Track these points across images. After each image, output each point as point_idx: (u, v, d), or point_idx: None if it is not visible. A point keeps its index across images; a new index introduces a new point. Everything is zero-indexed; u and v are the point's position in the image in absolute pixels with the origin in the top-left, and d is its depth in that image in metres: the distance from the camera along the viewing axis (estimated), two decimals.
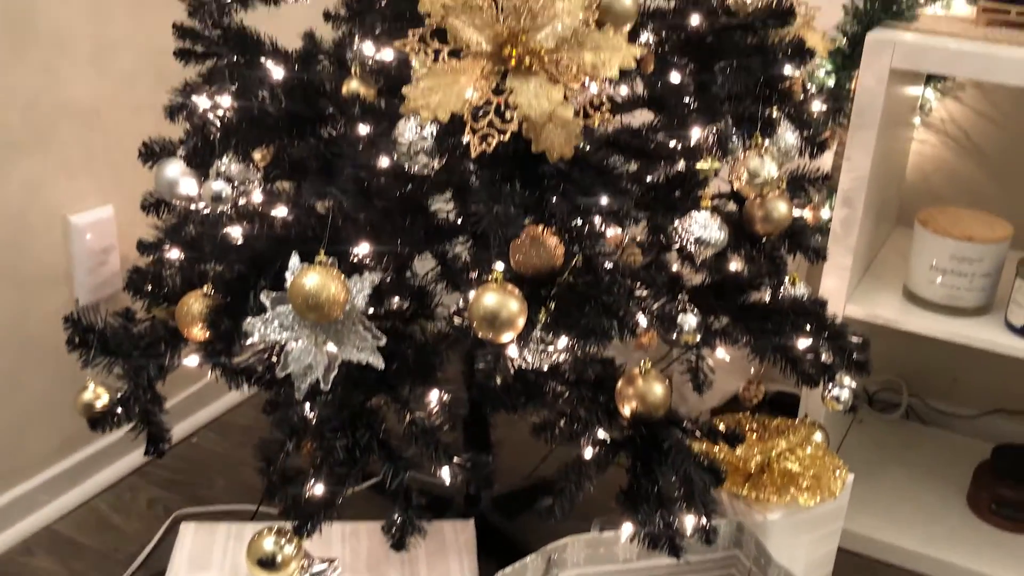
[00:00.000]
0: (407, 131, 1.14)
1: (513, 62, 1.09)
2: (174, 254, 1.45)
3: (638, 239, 1.37)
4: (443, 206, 1.41)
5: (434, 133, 1.13)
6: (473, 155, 1.07)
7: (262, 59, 1.39)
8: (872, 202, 1.66)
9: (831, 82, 1.67)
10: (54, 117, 1.61)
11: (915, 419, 2.10)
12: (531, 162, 1.14)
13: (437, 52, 1.07)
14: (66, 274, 1.69)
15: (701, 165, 1.28)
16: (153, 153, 1.42)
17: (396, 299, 1.43)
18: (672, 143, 1.33)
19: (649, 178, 1.37)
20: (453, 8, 1.06)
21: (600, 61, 1.10)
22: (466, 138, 1.09)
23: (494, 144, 1.08)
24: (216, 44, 1.40)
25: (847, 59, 1.63)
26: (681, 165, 1.37)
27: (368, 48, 1.35)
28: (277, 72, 1.31)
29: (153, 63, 1.73)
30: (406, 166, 1.17)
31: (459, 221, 1.36)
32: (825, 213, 1.74)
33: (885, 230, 1.92)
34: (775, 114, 1.32)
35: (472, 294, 1.12)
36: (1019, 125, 1.86)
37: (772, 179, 1.28)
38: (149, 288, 1.45)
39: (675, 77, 1.26)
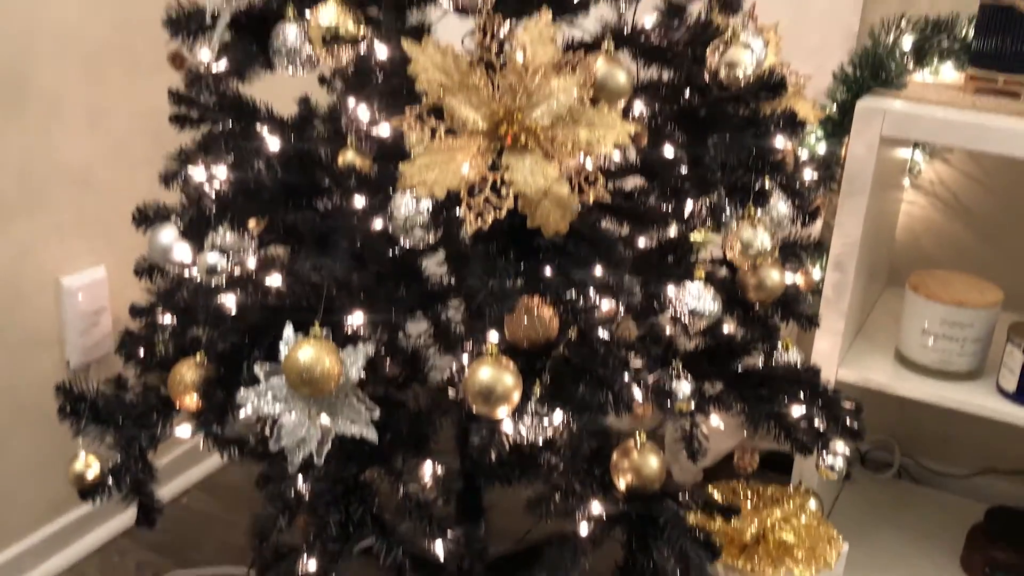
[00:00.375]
0: (403, 205, 1.15)
1: (509, 140, 1.09)
2: (167, 319, 1.45)
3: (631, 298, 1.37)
4: (436, 269, 1.42)
5: (430, 208, 1.14)
6: (469, 232, 1.08)
7: (258, 126, 1.40)
8: (863, 266, 1.67)
9: (821, 148, 1.68)
10: (47, 179, 1.61)
11: (907, 478, 2.10)
12: (526, 234, 1.14)
13: (433, 130, 1.08)
14: (57, 336, 1.68)
15: (695, 236, 1.29)
16: (147, 218, 1.42)
17: (389, 362, 1.43)
18: (664, 206, 1.34)
19: (642, 241, 1.38)
20: (450, 87, 1.07)
21: (595, 138, 1.11)
22: (461, 211, 1.09)
23: (490, 221, 1.08)
24: (211, 110, 1.41)
25: (837, 126, 1.64)
26: (673, 231, 1.37)
27: (363, 113, 1.36)
28: (273, 142, 1.31)
29: (147, 124, 1.73)
30: (402, 240, 1.18)
31: (452, 280, 1.35)
32: (816, 274, 1.75)
33: (876, 291, 1.93)
34: (767, 184, 1.33)
35: (467, 368, 1.12)
36: (1007, 187, 1.88)
37: (765, 250, 1.28)
38: (141, 352, 1.45)
39: (668, 150, 1.27)
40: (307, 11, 1.25)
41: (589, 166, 1.13)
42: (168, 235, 1.38)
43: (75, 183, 1.66)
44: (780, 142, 1.32)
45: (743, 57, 1.25)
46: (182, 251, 1.34)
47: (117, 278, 1.74)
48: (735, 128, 1.29)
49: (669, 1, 1.33)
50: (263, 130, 1.38)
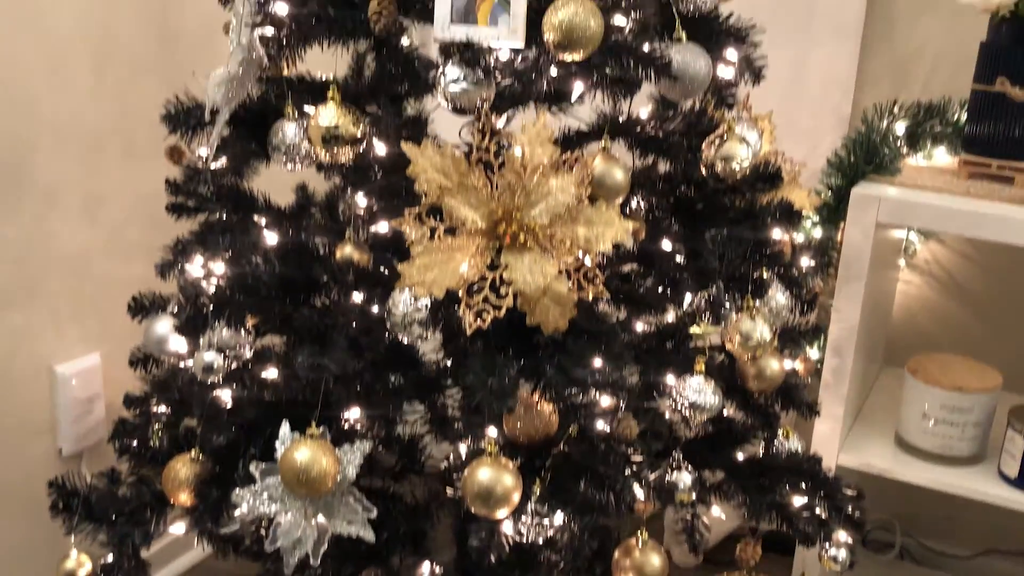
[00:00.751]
0: (401, 303, 1.14)
1: (508, 239, 1.09)
2: (162, 408, 1.43)
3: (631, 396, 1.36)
4: (433, 355, 1.41)
5: (428, 304, 1.14)
6: (468, 332, 1.07)
7: (255, 216, 1.40)
8: (861, 349, 1.67)
9: (817, 232, 1.69)
10: (44, 268, 1.60)
11: (909, 559, 2.07)
12: (525, 329, 1.14)
13: (433, 230, 1.08)
14: (50, 424, 1.66)
15: (694, 330, 1.28)
16: (143, 307, 1.41)
17: (384, 451, 1.42)
18: (661, 289, 1.34)
19: (640, 326, 1.37)
20: (449, 188, 1.07)
21: (594, 235, 1.12)
22: (460, 309, 1.09)
23: (489, 320, 1.08)
24: (209, 200, 1.41)
25: (833, 212, 1.65)
26: (671, 316, 1.37)
27: (361, 207, 1.37)
28: (271, 236, 1.31)
29: (144, 210, 1.73)
30: (400, 336, 1.17)
31: (450, 364, 1.34)
32: (813, 354, 1.74)
33: (874, 371, 1.92)
34: (765, 275, 1.33)
35: (466, 469, 1.11)
36: (1002, 266, 1.89)
37: (765, 341, 1.28)
38: (135, 444, 1.43)
39: (666, 244, 1.27)
40: (305, 105, 1.26)
41: (588, 263, 1.13)
42: (164, 326, 1.37)
43: (71, 271, 1.65)
44: (777, 233, 1.33)
45: (739, 151, 1.25)
46: (178, 342, 1.33)
47: (111, 364, 1.72)
48: (732, 221, 1.29)
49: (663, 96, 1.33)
50: (261, 221, 1.38)
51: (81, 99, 1.60)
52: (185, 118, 1.28)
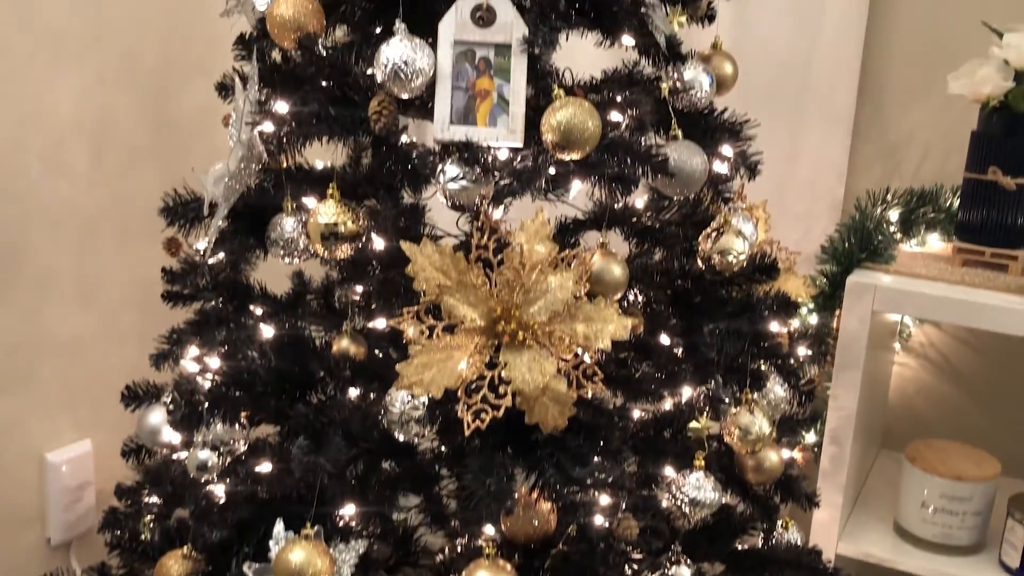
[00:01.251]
0: (398, 401, 1.14)
1: (507, 337, 1.09)
2: (153, 499, 1.41)
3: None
4: (428, 444, 1.39)
5: (426, 403, 1.13)
6: (466, 433, 1.06)
7: (251, 306, 1.39)
8: (859, 434, 1.66)
9: (813, 318, 1.69)
10: (36, 356, 1.59)
11: None
12: (524, 428, 1.13)
13: (431, 328, 1.08)
14: (39, 512, 1.64)
15: (693, 426, 1.28)
16: (136, 396, 1.40)
17: (379, 545, 1.40)
18: (657, 374, 1.33)
19: (637, 414, 1.36)
20: (449, 287, 1.07)
21: (592, 332, 1.11)
22: (459, 409, 1.08)
23: (487, 421, 1.07)
24: (204, 290, 1.40)
25: (828, 299, 1.65)
26: (669, 404, 1.36)
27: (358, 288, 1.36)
28: (267, 329, 1.30)
29: (138, 295, 1.72)
30: (396, 434, 1.16)
31: (444, 447, 1.32)
32: (810, 437, 1.74)
33: (871, 455, 1.91)
34: (763, 367, 1.32)
35: (464, 571, 1.10)
36: (997, 350, 1.89)
37: (764, 435, 1.27)
38: (126, 537, 1.41)
39: (664, 339, 1.27)
40: (303, 197, 1.26)
41: (587, 359, 1.13)
42: (157, 417, 1.36)
43: (63, 357, 1.64)
44: (775, 326, 1.33)
45: (735, 244, 1.26)
46: (171, 434, 1.32)
47: (103, 451, 1.70)
48: (730, 315, 1.29)
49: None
50: (257, 310, 1.38)
51: (77, 185, 1.61)
52: (183, 211, 1.28)
